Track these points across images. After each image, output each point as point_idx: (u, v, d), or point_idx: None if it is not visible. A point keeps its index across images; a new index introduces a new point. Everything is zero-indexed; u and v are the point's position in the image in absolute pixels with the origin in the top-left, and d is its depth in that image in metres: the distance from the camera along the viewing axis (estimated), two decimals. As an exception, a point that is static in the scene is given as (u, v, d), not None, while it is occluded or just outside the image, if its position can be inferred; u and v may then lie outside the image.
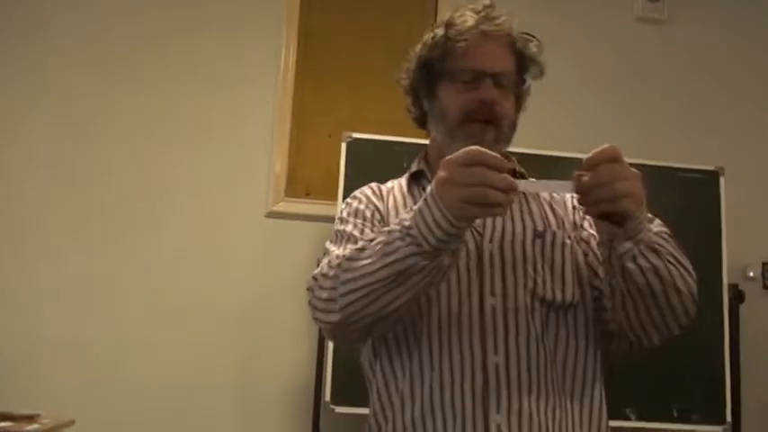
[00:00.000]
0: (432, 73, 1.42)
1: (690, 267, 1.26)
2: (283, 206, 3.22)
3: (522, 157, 1.45)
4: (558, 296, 1.34)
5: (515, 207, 1.41)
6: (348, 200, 1.49)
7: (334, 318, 1.22)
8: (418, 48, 1.47)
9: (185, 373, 3.05)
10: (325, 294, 1.23)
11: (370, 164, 2.97)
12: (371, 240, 1.22)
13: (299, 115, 3.30)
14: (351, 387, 2.79)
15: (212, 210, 3.18)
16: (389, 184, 1.54)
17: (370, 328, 1.25)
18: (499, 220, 1.38)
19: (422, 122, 1.53)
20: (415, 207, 1.19)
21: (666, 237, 1.26)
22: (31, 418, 2.53)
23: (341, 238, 1.38)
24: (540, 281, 1.34)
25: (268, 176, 3.23)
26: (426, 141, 1.56)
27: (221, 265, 3.14)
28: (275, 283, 3.15)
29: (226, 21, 3.30)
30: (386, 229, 1.23)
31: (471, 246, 1.35)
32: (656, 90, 3.53)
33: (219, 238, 3.16)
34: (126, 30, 3.24)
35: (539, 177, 1.28)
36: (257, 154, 3.24)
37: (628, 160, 1.19)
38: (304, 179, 3.27)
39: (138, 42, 3.24)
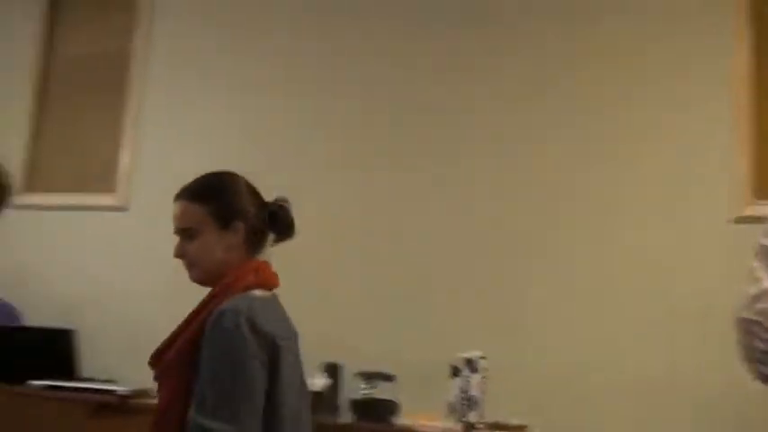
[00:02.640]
0: None
1: None
2: (752, 210, 2.95)
3: None
4: None
5: None
6: None
7: None
8: None
9: (647, 374, 3.01)
10: None
11: None
12: None
13: (763, 106, 2.97)
14: None
15: (674, 216, 3.09)
16: None
17: None
18: None
19: None
20: None
21: None
22: (520, 429, 2.81)
23: None
24: None
25: (731, 179, 3.00)
26: None
27: (685, 272, 3.04)
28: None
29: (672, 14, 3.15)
30: None
31: None
32: None
33: (684, 245, 3.06)
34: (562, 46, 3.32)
35: None
36: (718, 156, 3.03)
37: None
38: (776, 178, 2.95)
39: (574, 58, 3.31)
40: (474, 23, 3.53)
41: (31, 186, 4.09)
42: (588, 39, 3.34)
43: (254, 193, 1.91)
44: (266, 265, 1.87)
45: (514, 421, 2.77)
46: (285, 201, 1.93)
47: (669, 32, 3.19)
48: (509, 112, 3.40)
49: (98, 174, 3.99)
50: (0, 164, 3.40)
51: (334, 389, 2.78)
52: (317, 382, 2.72)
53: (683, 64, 3.17)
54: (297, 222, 1.95)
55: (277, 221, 1.88)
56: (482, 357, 2.65)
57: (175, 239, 1.89)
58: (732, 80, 3.06)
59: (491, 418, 2.69)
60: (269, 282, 1.84)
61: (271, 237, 1.90)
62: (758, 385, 1.75)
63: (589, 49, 3.33)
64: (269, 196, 2.00)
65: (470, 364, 2.64)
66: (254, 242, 1.87)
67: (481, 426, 2.60)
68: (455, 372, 2.65)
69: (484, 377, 2.65)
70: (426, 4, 3.62)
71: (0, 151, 4.00)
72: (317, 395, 2.69)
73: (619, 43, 3.28)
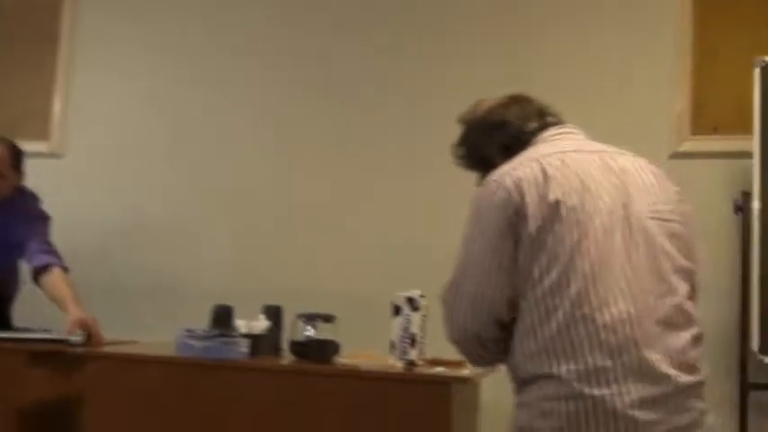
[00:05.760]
0: None
1: None
2: (689, 145, 2.99)
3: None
4: None
5: None
6: None
7: None
8: None
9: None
10: None
11: (788, 89, 2.64)
12: None
13: (700, 45, 3.00)
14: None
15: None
16: None
17: None
18: None
19: None
20: None
21: None
22: (459, 364, 2.87)
23: None
24: None
25: (670, 115, 3.03)
26: None
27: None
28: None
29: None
30: None
31: None
32: None
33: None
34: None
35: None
36: (657, 91, 3.06)
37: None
38: (711, 114, 2.98)
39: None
40: None
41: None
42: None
43: None
44: None
45: (454, 357, 2.80)
46: None
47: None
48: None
49: (31, 121, 3.88)
50: None
51: (275, 331, 2.77)
52: (258, 324, 2.71)
53: (627, 2, 3.17)
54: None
55: None
56: (422, 296, 2.65)
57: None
58: (674, 18, 3.06)
59: (431, 354, 2.72)
60: None
61: None
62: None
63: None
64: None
65: (411, 303, 2.64)
66: None
67: (421, 363, 2.62)
68: (396, 311, 2.65)
69: (424, 315, 2.65)
70: None
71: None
72: (258, 338, 2.68)
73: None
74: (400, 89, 3.46)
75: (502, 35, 3.34)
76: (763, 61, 2.70)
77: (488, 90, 3.25)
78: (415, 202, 3.38)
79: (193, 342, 2.58)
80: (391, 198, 3.40)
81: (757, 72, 2.70)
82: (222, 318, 2.76)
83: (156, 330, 3.19)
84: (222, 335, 2.60)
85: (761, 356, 2.67)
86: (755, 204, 2.68)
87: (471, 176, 3.26)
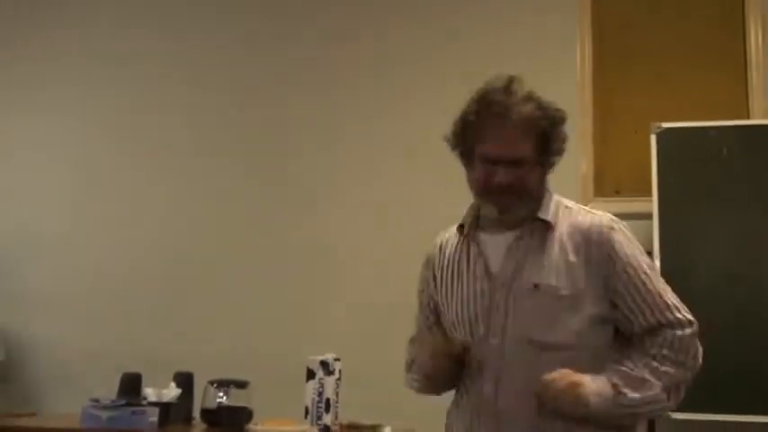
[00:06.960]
0: (466, 141, 1.75)
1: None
2: (593, 207, 3.09)
3: None
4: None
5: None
6: None
7: None
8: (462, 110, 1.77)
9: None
10: None
11: (683, 154, 2.82)
12: None
13: (601, 111, 3.16)
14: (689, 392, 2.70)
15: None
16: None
17: None
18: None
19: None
20: None
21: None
22: (374, 428, 2.85)
23: None
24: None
25: (575, 177, 3.14)
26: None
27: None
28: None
29: (515, 20, 3.27)
30: None
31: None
32: None
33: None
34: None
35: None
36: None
37: None
38: (613, 177, 3.12)
39: (422, 52, 3.38)
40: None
41: None
42: (430, 19, 3.41)
43: None
44: None
45: (368, 421, 2.78)
46: None
47: (518, 43, 3.32)
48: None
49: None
50: None
51: (186, 399, 2.69)
52: (168, 392, 2.63)
53: (528, 72, 3.27)
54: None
55: None
56: (336, 359, 2.63)
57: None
58: (574, 85, 3.20)
59: (346, 419, 2.70)
60: None
61: None
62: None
63: (430, 33, 3.40)
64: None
65: (325, 367, 2.62)
66: None
67: (336, 428, 2.59)
68: (310, 374, 2.62)
69: (338, 379, 2.63)
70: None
71: None
72: (168, 406, 2.61)
73: (462, 29, 3.35)
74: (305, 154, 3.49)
75: (410, 95, 3.42)
76: (659, 127, 2.84)
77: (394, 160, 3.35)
78: (328, 262, 3.37)
79: (99, 412, 2.49)
80: (303, 260, 3.39)
81: (654, 138, 2.83)
82: (130, 386, 2.67)
83: (60, 401, 3.06)
84: (130, 404, 2.52)
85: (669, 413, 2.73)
86: (656, 264, 2.78)
87: (387, 236, 3.31)
